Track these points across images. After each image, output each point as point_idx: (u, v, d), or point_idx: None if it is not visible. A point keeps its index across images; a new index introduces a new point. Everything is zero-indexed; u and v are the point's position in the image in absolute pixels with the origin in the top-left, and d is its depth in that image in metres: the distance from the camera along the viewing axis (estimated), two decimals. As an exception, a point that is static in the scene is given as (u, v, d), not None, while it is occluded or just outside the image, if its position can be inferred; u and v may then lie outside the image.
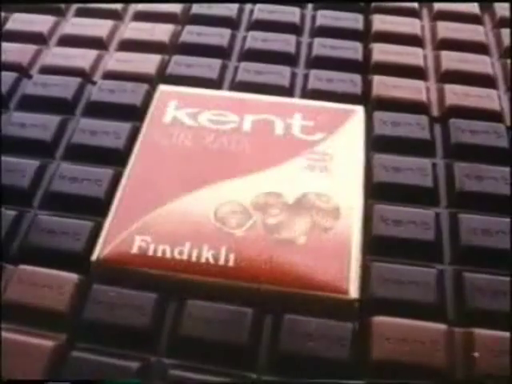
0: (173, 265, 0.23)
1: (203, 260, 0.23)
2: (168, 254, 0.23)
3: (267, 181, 0.25)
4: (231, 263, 0.23)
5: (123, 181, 0.25)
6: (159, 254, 0.23)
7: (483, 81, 0.31)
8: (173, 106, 0.28)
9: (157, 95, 0.29)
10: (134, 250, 0.23)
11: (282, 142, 0.27)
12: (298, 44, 0.33)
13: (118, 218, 0.24)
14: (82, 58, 0.32)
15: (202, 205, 0.24)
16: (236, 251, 0.23)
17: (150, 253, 0.23)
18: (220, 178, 0.25)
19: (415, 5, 0.36)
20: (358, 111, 0.28)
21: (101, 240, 0.23)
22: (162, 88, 0.29)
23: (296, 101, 0.30)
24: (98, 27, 0.34)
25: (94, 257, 0.23)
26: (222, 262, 0.23)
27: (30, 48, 0.33)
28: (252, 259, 0.23)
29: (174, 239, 0.23)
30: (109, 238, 0.23)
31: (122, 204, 0.25)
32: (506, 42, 0.33)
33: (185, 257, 0.23)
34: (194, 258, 0.23)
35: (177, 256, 0.23)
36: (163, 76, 0.31)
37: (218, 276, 0.22)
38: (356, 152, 0.27)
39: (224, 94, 0.30)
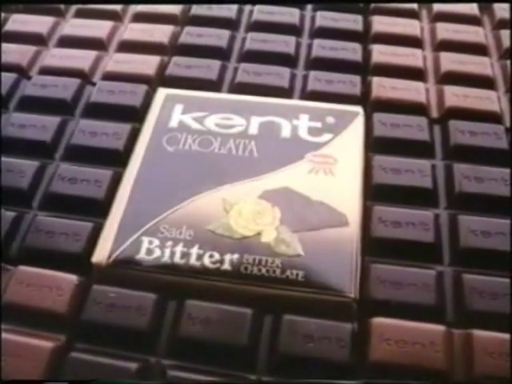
0: (178, 269, 0.23)
1: (209, 264, 0.23)
2: (176, 259, 0.23)
3: (273, 184, 0.25)
4: (235, 267, 0.23)
5: (128, 183, 0.25)
6: (166, 257, 0.23)
7: (483, 82, 0.31)
8: (179, 111, 0.28)
9: (160, 98, 0.29)
10: (142, 254, 0.23)
11: (289, 144, 0.27)
12: (298, 45, 0.33)
13: (125, 222, 0.24)
14: (81, 58, 0.32)
15: (209, 208, 0.24)
16: (240, 255, 0.23)
17: (157, 256, 0.23)
18: (227, 181, 0.25)
19: (414, 6, 0.36)
20: (360, 112, 0.28)
21: (105, 242, 0.23)
22: (167, 92, 0.29)
23: (302, 102, 0.30)
24: (98, 28, 0.34)
25: (99, 259, 0.23)
26: (226, 266, 0.23)
27: (30, 49, 0.33)
28: (254, 263, 0.23)
29: (180, 243, 0.23)
30: (117, 241, 0.23)
31: (129, 208, 0.24)
32: (506, 43, 0.33)
33: (192, 261, 0.23)
34: (200, 263, 0.23)
35: (182, 260, 0.23)
36: (163, 77, 0.31)
37: (220, 280, 0.22)
38: (357, 153, 0.27)
39: (230, 96, 0.30)
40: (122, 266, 0.23)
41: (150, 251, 0.23)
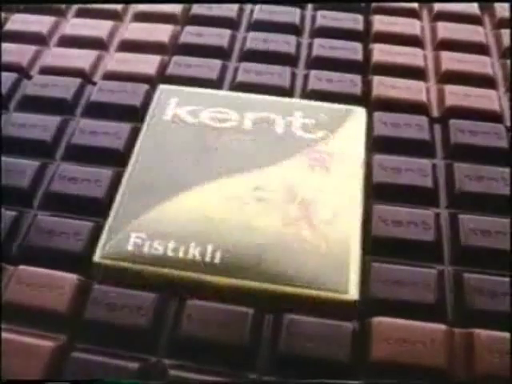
0: (167, 262, 0.23)
1: (190, 256, 0.23)
2: (162, 251, 0.23)
3: (267, 179, 0.25)
4: (218, 260, 0.23)
5: (124, 180, 0.26)
6: (154, 251, 0.23)
7: (483, 81, 0.31)
8: (173, 104, 0.29)
9: (157, 93, 0.29)
10: (129, 247, 0.23)
11: (283, 140, 0.27)
12: (298, 44, 0.33)
13: (116, 218, 0.24)
14: (82, 58, 0.32)
15: (199, 202, 0.25)
16: (224, 248, 0.23)
17: (145, 250, 0.23)
18: (220, 175, 0.26)
19: (415, 5, 0.36)
20: (358, 111, 0.28)
21: (101, 241, 0.24)
22: (162, 87, 0.30)
23: (296, 100, 0.30)
24: (98, 28, 0.34)
25: (94, 257, 0.23)
26: (208, 258, 0.23)
27: (30, 48, 0.32)
28: (240, 256, 0.23)
29: (169, 236, 0.23)
30: (107, 237, 0.24)
31: (121, 204, 0.25)
32: (506, 42, 0.33)
33: (180, 254, 0.23)
34: (184, 255, 0.23)
35: (170, 253, 0.23)
36: (163, 76, 0.31)
37: (205, 272, 0.23)
38: (356, 152, 0.27)
39: (224, 92, 0.30)
40: (113, 261, 0.23)
41: (137, 245, 0.23)
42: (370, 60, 0.32)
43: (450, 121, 0.28)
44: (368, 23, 0.34)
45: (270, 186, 0.25)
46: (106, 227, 0.24)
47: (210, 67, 0.31)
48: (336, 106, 0.29)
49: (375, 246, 0.24)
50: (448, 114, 0.29)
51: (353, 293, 0.22)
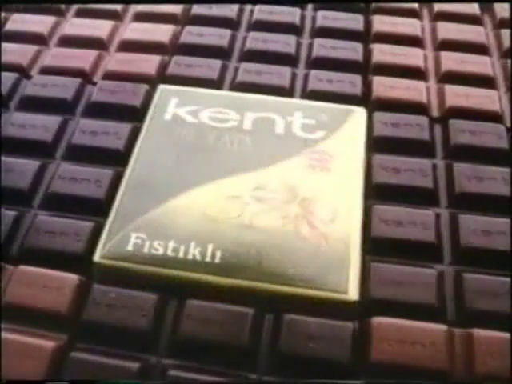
0: (167, 262, 0.23)
1: (190, 256, 0.23)
2: (162, 251, 0.23)
3: (267, 179, 0.25)
4: (218, 260, 0.23)
5: (124, 180, 0.26)
6: (154, 251, 0.23)
7: (483, 81, 0.31)
8: (173, 104, 0.29)
9: (157, 94, 0.29)
10: (130, 247, 0.23)
11: (283, 140, 0.27)
12: (298, 45, 0.33)
13: (116, 218, 0.24)
14: (82, 58, 0.32)
15: (199, 202, 0.25)
16: (224, 248, 0.23)
17: (146, 250, 0.23)
18: (220, 175, 0.26)
19: (415, 5, 0.36)
20: (358, 111, 0.28)
21: (101, 241, 0.24)
22: (163, 87, 0.30)
23: (295, 100, 0.30)
24: (98, 28, 0.34)
25: (94, 258, 0.23)
26: (208, 258, 0.23)
27: (30, 48, 0.32)
28: (240, 256, 0.23)
29: (169, 236, 0.23)
30: (107, 237, 0.24)
31: (121, 204, 0.25)
32: (506, 42, 0.33)
33: (180, 254, 0.23)
34: (184, 255, 0.23)
35: (170, 253, 0.23)
36: (163, 76, 0.31)
37: (205, 272, 0.23)
38: (356, 152, 0.27)
39: (224, 92, 0.30)
40: (113, 261, 0.23)
41: (138, 245, 0.23)
42: (370, 60, 0.32)
43: (449, 121, 0.28)
44: (368, 23, 0.34)
45: (270, 186, 0.25)
46: (106, 227, 0.24)
47: (210, 67, 0.31)
48: (336, 106, 0.29)
49: (375, 246, 0.24)
50: (448, 114, 0.29)
51: (353, 293, 0.22)
